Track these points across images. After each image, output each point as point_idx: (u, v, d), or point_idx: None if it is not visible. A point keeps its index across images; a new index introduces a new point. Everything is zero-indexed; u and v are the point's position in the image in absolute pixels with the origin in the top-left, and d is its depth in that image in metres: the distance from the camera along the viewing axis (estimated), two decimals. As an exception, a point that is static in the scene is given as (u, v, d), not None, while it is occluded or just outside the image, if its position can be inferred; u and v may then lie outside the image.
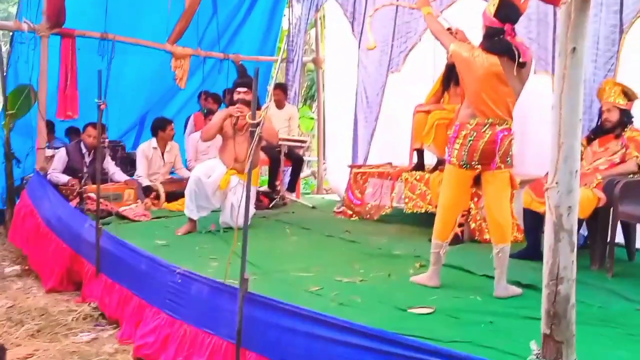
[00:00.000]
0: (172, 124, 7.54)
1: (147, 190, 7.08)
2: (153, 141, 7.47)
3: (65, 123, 7.51)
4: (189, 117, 8.67)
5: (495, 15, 3.89)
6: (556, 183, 2.13)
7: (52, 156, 7.03)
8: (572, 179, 2.12)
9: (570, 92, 2.11)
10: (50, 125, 7.32)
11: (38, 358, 4.06)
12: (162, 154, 7.49)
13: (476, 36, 4.21)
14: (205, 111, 8.19)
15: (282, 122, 7.89)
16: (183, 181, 7.09)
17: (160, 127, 7.44)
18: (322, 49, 9.86)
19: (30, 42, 6.73)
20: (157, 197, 7.08)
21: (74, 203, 6.24)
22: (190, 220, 5.70)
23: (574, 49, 2.09)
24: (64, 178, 6.74)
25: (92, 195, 6.00)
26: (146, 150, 7.42)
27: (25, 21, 6.71)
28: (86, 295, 5.15)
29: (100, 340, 4.41)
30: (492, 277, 3.97)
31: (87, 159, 6.90)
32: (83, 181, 6.61)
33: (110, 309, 4.69)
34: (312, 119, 14.14)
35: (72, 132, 7.78)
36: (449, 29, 4.48)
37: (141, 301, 4.29)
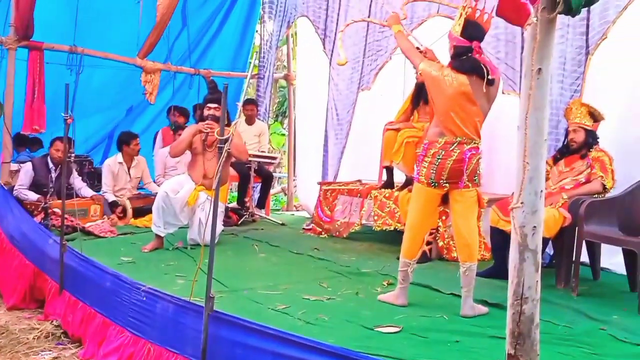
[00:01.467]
0: (137, 139, 7.45)
1: (113, 206, 6.98)
2: (119, 156, 7.39)
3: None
4: (158, 132, 8.59)
5: (461, 35, 3.93)
6: (521, 203, 2.14)
7: (17, 170, 6.91)
8: (537, 199, 2.13)
9: (535, 112, 2.12)
10: (23, 139, 7.23)
11: (-3, 377, 3.96)
12: (128, 169, 7.41)
13: (445, 55, 4.25)
14: (173, 126, 8.14)
15: (252, 138, 7.87)
16: (150, 197, 7.01)
17: (124, 142, 7.37)
18: (293, 65, 9.88)
19: (-3, 54, 6.65)
20: (124, 212, 6.99)
21: (38, 218, 6.12)
22: (157, 236, 5.62)
23: (540, 69, 2.11)
24: (33, 196, 6.54)
25: (57, 210, 5.90)
26: (112, 165, 7.33)
27: (-7, 33, 6.62)
28: (49, 313, 5.04)
29: (62, 359, 4.32)
30: (459, 296, 3.98)
31: (54, 174, 6.77)
32: (49, 196, 6.49)
33: (73, 327, 4.59)
34: (283, 135, 14.14)
35: (35, 143, 7.65)
36: (418, 49, 4.52)
37: (105, 319, 4.21)
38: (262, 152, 7.93)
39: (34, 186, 6.69)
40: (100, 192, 7.15)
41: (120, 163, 7.36)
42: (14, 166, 6.91)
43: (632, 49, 5.22)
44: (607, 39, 5.21)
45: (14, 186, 6.65)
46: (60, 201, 5.32)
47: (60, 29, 7.17)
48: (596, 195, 4.80)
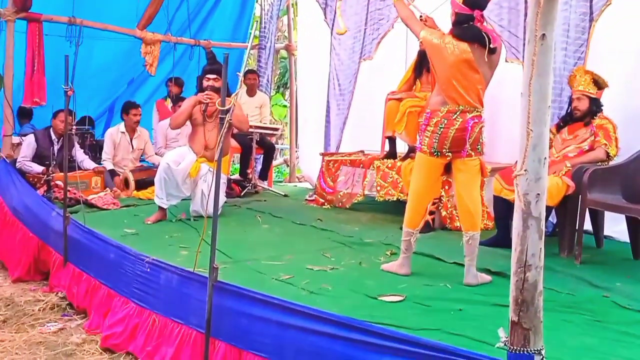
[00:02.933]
0: (138, 109, 7.45)
1: (112, 175, 7.01)
2: (121, 126, 7.41)
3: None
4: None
5: (464, 2, 3.89)
6: (525, 170, 2.12)
7: (19, 143, 6.90)
8: (540, 167, 2.12)
9: (539, 79, 2.10)
10: (27, 111, 7.20)
11: (4, 349, 3.99)
12: (131, 140, 7.41)
13: (446, 24, 4.20)
14: (168, 97, 8.20)
15: (253, 109, 7.84)
16: (153, 169, 7.02)
17: (124, 111, 7.43)
18: (294, 35, 9.80)
19: (-4, 26, 6.60)
20: (127, 184, 6.99)
21: (41, 191, 6.14)
22: (160, 208, 5.63)
23: (544, 35, 2.08)
24: (37, 168, 6.57)
25: (60, 183, 5.90)
26: (114, 134, 7.36)
27: (-10, 5, 6.56)
28: (53, 285, 5.07)
29: (68, 330, 4.35)
30: (462, 265, 3.98)
31: (56, 146, 6.77)
32: (51, 169, 6.49)
33: (78, 298, 4.63)
34: (284, 106, 14.09)
35: (24, 116, 7.65)
36: (420, 17, 4.47)
37: (109, 291, 4.24)
38: (264, 123, 7.91)
39: (37, 158, 6.71)
40: (101, 160, 7.17)
41: (122, 132, 7.37)
42: (15, 139, 6.89)
43: (637, 16, 5.16)
44: (612, 5, 5.15)
45: (16, 159, 6.65)
46: (62, 174, 5.32)
47: (59, 1, 7.10)
48: (599, 163, 4.78)
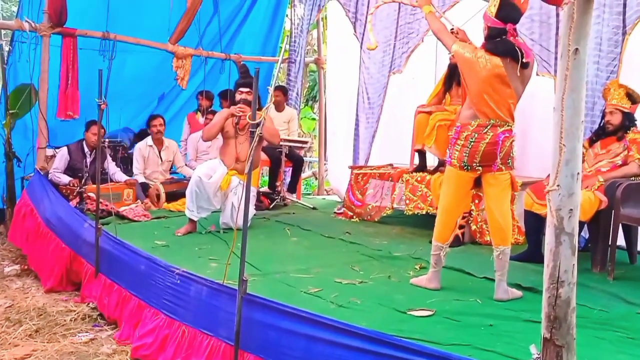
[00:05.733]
0: (158, 119, 7.56)
1: (144, 188, 7.09)
2: (149, 139, 7.53)
3: (65, 123, 7.48)
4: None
5: (496, 16, 3.86)
6: (557, 185, 2.11)
7: (53, 156, 7.02)
8: (573, 182, 2.10)
9: (572, 93, 2.09)
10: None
11: (36, 358, 4.04)
12: (159, 152, 7.51)
13: (478, 37, 4.19)
14: (198, 110, 8.33)
15: (281, 124, 7.87)
16: (183, 181, 7.10)
17: (146, 123, 7.60)
18: (324, 49, 9.85)
19: (32, 41, 6.72)
20: (158, 197, 7.07)
21: (73, 203, 6.23)
22: (191, 221, 5.68)
23: (577, 50, 2.07)
24: (66, 179, 6.72)
25: (92, 195, 5.99)
26: (142, 149, 7.48)
27: (27, 20, 6.69)
28: (85, 295, 5.13)
29: (99, 340, 4.39)
30: (493, 280, 3.95)
31: (89, 159, 6.88)
32: (83, 181, 6.59)
33: (109, 309, 4.67)
34: (313, 119, 14.13)
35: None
36: (451, 30, 4.46)
37: (140, 302, 4.27)
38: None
39: (70, 170, 6.83)
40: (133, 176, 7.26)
41: (150, 146, 7.47)
42: (49, 151, 7.01)
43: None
44: (645, 18, 5.10)
45: (49, 171, 6.76)
46: (94, 186, 5.39)
47: (93, 16, 7.23)
48: (633, 178, 4.72)
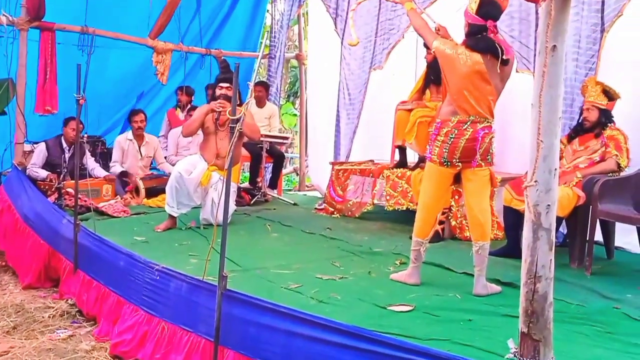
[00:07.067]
0: (140, 114, 7.52)
1: (122, 176, 7.13)
2: (129, 133, 7.51)
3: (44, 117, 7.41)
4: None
5: (477, 13, 3.88)
6: (535, 181, 2.13)
7: (31, 151, 6.95)
8: (550, 178, 2.12)
9: (549, 90, 2.10)
10: None
11: (14, 355, 4.00)
12: (139, 147, 7.46)
13: (458, 33, 4.21)
14: (177, 106, 8.28)
15: (262, 120, 7.85)
16: (163, 177, 7.06)
17: (128, 118, 7.59)
18: (305, 45, 9.84)
19: (9, 35, 6.63)
20: (137, 192, 7.03)
21: (52, 199, 6.17)
22: (170, 216, 5.65)
23: (554, 47, 2.09)
24: (43, 173, 6.66)
25: (71, 190, 5.94)
26: (122, 141, 7.48)
27: (4, 14, 6.59)
28: (63, 292, 5.09)
29: (77, 337, 4.36)
30: (472, 275, 3.97)
31: (67, 154, 6.82)
32: (62, 176, 6.53)
33: (88, 305, 4.63)
34: (294, 115, 14.11)
35: None
36: (436, 30, 4.47)
37: (119, 298, 4.25)
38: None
39: (48, 166, 6.77)
40: (110, 166, 7.24)
41: (130, 140, 7.44)
42: (27, 147, 6.94)
43: (648, 27, 5.15)
44: (623, 16, 5.14)
45: (27, 166, 6.69)
46: (73, 181, 5.34)
47: (71, 10, 7.13)
48: (610, 174, 4.77)
